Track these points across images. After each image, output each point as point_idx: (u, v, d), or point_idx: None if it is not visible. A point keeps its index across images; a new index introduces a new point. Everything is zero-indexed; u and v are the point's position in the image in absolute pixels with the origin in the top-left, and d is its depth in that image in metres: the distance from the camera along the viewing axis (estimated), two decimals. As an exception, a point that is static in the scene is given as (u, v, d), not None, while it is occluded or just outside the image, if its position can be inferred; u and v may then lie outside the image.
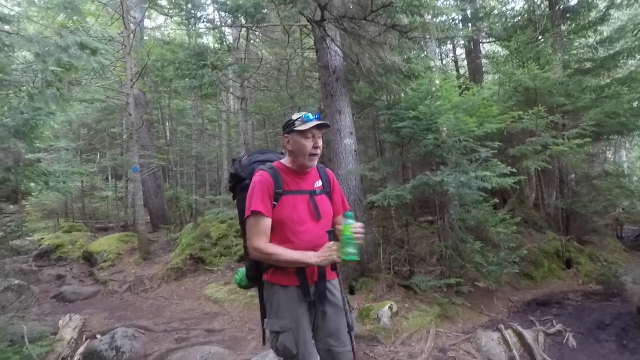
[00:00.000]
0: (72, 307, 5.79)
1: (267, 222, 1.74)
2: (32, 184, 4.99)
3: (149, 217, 10.53)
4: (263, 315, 1.94)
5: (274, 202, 1.77)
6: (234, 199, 2.02)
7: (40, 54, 4.88)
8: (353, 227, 1.70)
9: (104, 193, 13.21)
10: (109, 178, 14.01)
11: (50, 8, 7.64)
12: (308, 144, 1.78)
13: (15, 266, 7.17)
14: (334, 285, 1.91)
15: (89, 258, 8.35)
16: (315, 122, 1.78)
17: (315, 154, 1.81)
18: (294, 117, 1.82)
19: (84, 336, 4.25)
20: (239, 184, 1.95)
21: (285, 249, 1.73)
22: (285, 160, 1.89)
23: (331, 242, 1.75)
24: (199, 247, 7.30)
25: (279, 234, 1.77)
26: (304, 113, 1.82)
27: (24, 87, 4.75)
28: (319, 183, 1.92)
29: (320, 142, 1.82)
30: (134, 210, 9.13)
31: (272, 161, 1.94)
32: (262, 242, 1.73)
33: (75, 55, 5.01)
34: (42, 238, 9.56)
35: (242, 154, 2.05)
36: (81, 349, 3.79)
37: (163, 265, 7.26)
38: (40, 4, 7.99)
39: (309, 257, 1.72)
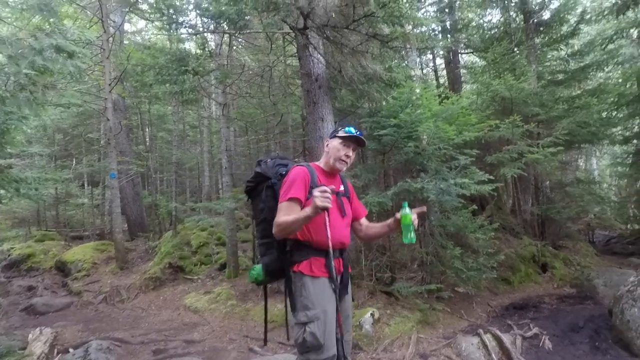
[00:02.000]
0: (43, 319, 5.55)
1: (299, 209, 1.87)
2: (1, 191, 4.79)
3: (126, 225, 10.24)
4: (293, 308, 1.96)
5: (308, 195, 1.91)
6: (250, 199, 2.16)
7: (14, 56, 4.72)
8: (411, 214, 1.90)
9: (79, 200, 12.75)
10: (85, 185, 13.57)
11: (25, 9, 7.43)
12: (342, 149, 2.03)
13: (-18, 277, 6.84)
14: (348, 278, 2.11)
15: (62, 268, 8.04)
16: (353, 134, 2.03)
17: (343, 161, 2.04)
18: (340, 127, 2.11)
19: (56, 350, 4.08)
20: (262, 183, 2.07)
21: (290, 215, 1.83)
22: (320, 162, 2.14)
23: (322, 187, 1.76)
24: (178, 255, 7.15)
25: (313, 224, 1.89)
26: (347, 126, 2.08)
27: (-5, 91, 4.57)
28: (341, 188, 2.14)
29: (351, 154, 2.06)
30: (111, 218, 8.88)
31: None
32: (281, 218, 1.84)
33: (51, 58, 4.87)
34: (12, 248, 9.15)
35: (265, 158, 2.20)
36: (52, 364, 3.64)
37: (141, 275, 7.06)
38: (14, 5, 7.75)
39: (305, 211, 1.79)
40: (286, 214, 1.85)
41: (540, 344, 3.75)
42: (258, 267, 2.09)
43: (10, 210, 11.49)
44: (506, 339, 3.69)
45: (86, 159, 12.64)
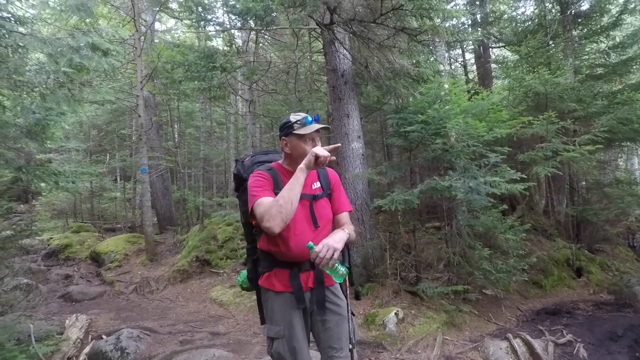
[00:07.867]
0: (79, 307, 5.83)
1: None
2: (42, 184, 5.05)
3: (156, 219, 10.58)
4: (262, 321, 1.90)
5: None
6: (239, 200, 1.98)
7: (53, 54, 4.95)
8: (318, 257, 1.55)
9: (112, 194, 13.32)
10: (118, 179, 14.15)
11: (63, 10, 7.77)
12: (308, 148, 1.71)
13: (24, 265, 7.26)
14: (335, 291, 1.82)
15: (96, 258, 8.42)
16: (315, 126, 1.72)
17: None
18: (292, 119, 1.74)
19: (90, 336, 4.27)
20: (242, 185, 1.90)
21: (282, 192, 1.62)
22: (284, 162, 1.83)
23: (317, 148, 1.64)
24: (205, 249, 7.31)
25: (270, 237, 1.70)
26: (302, 115, 1.74)
27: (37, 88, 4.81)
28: (317, 185, 1.83)
29: (319, 145, 1.77)
30: (141, 211, 9.18)
31: (274, 162, 1.89)
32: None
33: (87, 56, 5.07)
34: (51, 238, 9.66)
35: (245, 155, 2.00)
36: (87, 349, 3.81)
37: (169, 267, 7.28)
38: (54, 5, 8.13)
39: (299, 168, 1.61)
40: (268, 201, 1.60)
41: (574, 352, 3.58)
42: (244, 273, 1.97)
43: (50, 202, 12.16)
44: (537, 344, 3.54)
45: (119, 154, 13.18)
